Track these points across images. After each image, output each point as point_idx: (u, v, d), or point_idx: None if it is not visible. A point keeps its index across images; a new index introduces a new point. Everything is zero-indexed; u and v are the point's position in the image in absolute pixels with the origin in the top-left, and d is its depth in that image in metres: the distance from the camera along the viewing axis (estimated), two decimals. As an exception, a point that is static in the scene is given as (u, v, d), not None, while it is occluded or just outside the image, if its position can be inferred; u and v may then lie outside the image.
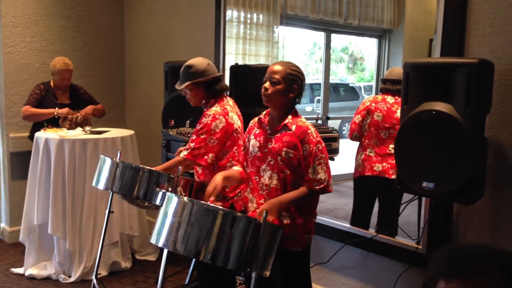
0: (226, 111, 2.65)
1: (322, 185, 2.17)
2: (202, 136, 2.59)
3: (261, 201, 2.24)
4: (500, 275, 0.96)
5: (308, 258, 2.35)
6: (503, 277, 0.96)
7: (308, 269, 2.37)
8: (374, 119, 3.04)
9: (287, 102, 2.22)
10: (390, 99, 3.03)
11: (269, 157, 2.21)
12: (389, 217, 3.03)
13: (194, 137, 2.62)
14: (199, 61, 2.69)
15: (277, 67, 2.20)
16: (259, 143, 2.27)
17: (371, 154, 3.05)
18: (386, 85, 3.07)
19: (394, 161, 2.85)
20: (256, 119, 2.37)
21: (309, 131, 2.17)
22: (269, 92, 2.19)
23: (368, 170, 3.06)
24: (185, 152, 2.61)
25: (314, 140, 2.17)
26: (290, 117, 2.21)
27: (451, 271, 0.98)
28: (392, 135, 2.95)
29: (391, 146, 2.93)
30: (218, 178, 2.27)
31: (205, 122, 2.60)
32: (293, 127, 2.19)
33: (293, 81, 2.19)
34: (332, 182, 2.21)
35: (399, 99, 2.92)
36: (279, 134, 2.21)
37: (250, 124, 2.41)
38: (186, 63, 2.67)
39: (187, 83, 2.64)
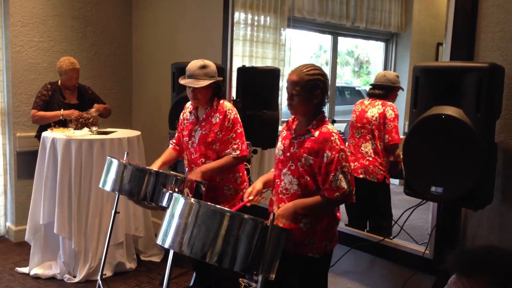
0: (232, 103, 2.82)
1: (343, 194, 2.10)
2: (239, 131, 2.71)
3: (280, 205, 2.21)
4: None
5: (326, 265, 2.30)
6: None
7: (325, 276, 2.31)
8: (351, 121, 3.17)
9: (313, 107, 2.17)
10: (367, 101, 3.13)
11: (290, 161, 2.19)
12: (377, 217, 3.11)
13: (234, 134, 2.69)
14: (210, 63, 2.74)
15: (295, 77, 2.13)
16: (283, 146, 2.25)
17: (348, 153, 3.12)
18: (369, 90, 3.19)
19: (364, 161, 3.06)
20: (286, 122, 2.36)
21: (332, 138, 2.10)
22: (293, 104, 2.16)
23: None
24: (238, 152, 2.67)
25: (337, 147, 2.10)
26: (315, 122, 2.17)
27: (470, 270, 0.98)
28: (364, 134, 3.07)
29: (363, 146, 3.06)
30: (258, 183, 2.32)
31: (234, 117, 2.71)
32: (316, 133, 2.14)
33: (314, 87, 2.13)
34: (354, 191, 2.16)
35: (375, 101, 3.07)
36: (301, 139, 2.17)
37: (282, 126, 2.42)
38: (199, 63, 2.69)
39: (207, 82, 2.66)
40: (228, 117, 2.69)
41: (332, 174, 2.09)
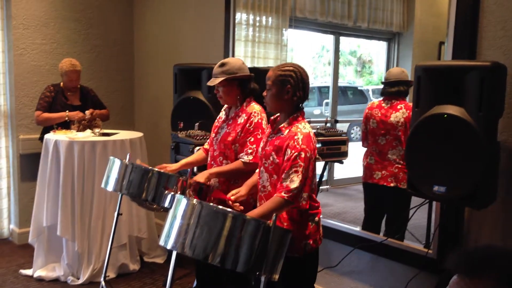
0: (262, 108, 2.66)
1: (291, 194, 2.02)
2: (259, 136, 2.58)
3: (261, 202, 2.23)
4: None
5: (309, 264, 2.25)
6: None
7: (310, 276, 2.28)
8: (370, 127, 3.06)
9: (286, 104, 2.18)
10: (385, 104, 3.02)
11: (263, 159, 2.23)
12: (396, 223, 2.99)
13: (252, 139, 2.58)
14: (234, 60, 2.70)
15: (269, 73, 2.21)
16: (263, 143, 2.29)
17: (371, 161, 3.07)
18: (384, 88, 3.06)
19: (393, 169, 2.94)
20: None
21: (295, 137, 2.08)
22: (266, 99, 2.23)
23: (369, 177, 3.08)
24: (250, 157, 2.55)
25: (297, 147, 2.06)
26: (288, 121, 2.18)
27: (473, 270, 0.97)
28: (389, 141, 2.96)
29: (390, 152, 2.95)
30: (243, 190, 2.31)
31: (256, 122, 2.59)
32: (286, 132, 2.15)
33: (284, 82, 2.15)
34: (305, 196, 2.07)
35: (395, 103, 2.96)
36: (273, 138, 2.20)
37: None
38: (219, 63, 2.68)
39: (221, 79, 2.63)
40: (251, 119, 2.60)
41: (285, 171, 2.06)
